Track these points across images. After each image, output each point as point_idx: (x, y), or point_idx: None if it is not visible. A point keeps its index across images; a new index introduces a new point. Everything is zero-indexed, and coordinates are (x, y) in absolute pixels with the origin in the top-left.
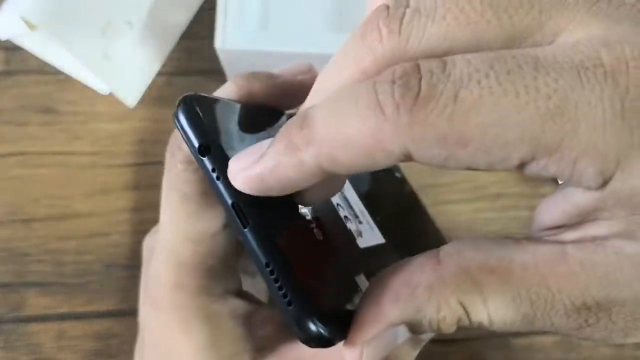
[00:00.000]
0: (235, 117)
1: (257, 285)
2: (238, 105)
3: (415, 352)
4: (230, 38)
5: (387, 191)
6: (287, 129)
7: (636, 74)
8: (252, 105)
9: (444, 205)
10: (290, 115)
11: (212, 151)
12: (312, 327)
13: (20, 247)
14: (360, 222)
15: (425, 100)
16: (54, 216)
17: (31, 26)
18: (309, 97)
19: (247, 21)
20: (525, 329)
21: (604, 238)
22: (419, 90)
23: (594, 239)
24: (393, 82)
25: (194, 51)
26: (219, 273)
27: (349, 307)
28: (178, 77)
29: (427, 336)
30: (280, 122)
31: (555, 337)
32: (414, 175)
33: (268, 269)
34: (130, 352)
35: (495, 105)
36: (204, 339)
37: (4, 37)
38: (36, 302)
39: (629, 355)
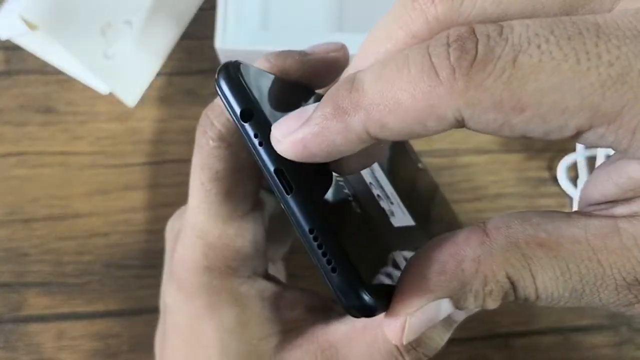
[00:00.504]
0: (273, 88)
1: (279, 272)
2: (273, 77)
3: (448, 335)
4: (230, 38)
5: (411, 179)
6: (335, 93)
7: None
8: (286, 81)
9: None
10: (320, 96)
11: (255, 116)
12: (357, 295)
13: (20, 247)
14: (391, 203)
15: (482, 64)
16: (54, 216)
17: (31, 26)
18: (354, 60)
19: (247, 21)
20: (572, 304)
21: None
22: (476, 53)
23: None
24: (448, 45)
25: (194, 51)
26: (248, 255)
27: (387, 281)
28: (178, 77)
29: (459, 318)
30: (310, 101)
31: (556, 337)
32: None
33: (312, 235)
34: (130, 352)
35: (555, 70)
36: (233, 321)
37: (4, 37)
38: (36, 302)
39: (629, 355)
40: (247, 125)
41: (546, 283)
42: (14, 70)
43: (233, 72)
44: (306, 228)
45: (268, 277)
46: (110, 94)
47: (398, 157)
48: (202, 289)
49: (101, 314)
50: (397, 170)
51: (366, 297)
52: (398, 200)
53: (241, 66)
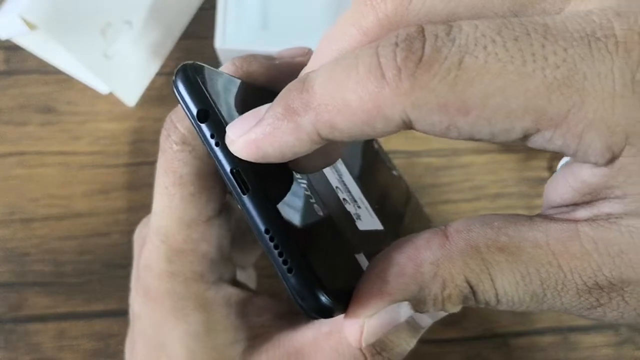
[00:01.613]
0: (234, 91)
1: (250, 279)
2: (238, 81)
3: (414, 340)
4: (230, 38)
5: (384, 185)
6: (286, 93)
7: None
8: (251, 85)
9: (444, 205)
10: None
11: (211, 117)
12: (313, 295)
13: (20, 247)
14: (359, 207)
15: (428, 65)
16: (54, 216)
17: (31, 26)
18: (309, 61)
19: (247, 21)
20: (533, 309)
21: (618, 216)
22: (422, 54)
23: (608, 217)
24: (396, 44)
25: (194, 51)
26: (213, 260)
27: (349, 283)
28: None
29: (426, 324)
30: None
31: (555, 337)
32: (413, 175)
33: (268, 236)
34: None
35: (500, 72)
36: (198, 327)
37: (4, 37)
38: (36, 302)
39: (629, 355)
40: (203, 126)
41: (506, 287)
42: (14, 70)
43: (191, 74)
44: (262, 228)
45: (235, 283)
46: (110, 94)
47: (371, 163)
48: (167, 295)
49: (101, 313)
50: (370, 176)
51: (323, 298)
52: (366, 204)
53: (200, 68)
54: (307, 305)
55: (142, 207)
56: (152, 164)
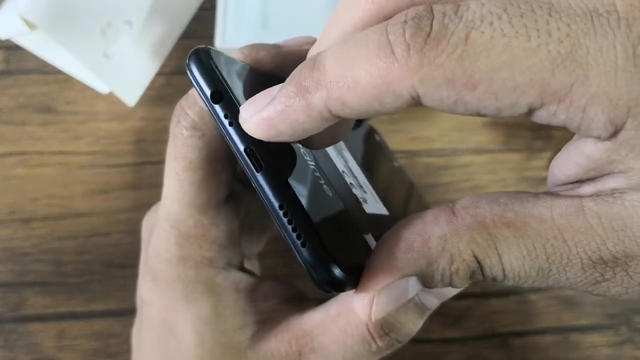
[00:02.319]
0: (244, 75)
1: (254, 269)
2: (248, 67)
3: (421, 321)
4: (230, 38)
5: (386, 175)
6: (298, 72)
7: None
8: (259, 71)
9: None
10: None
11: (225, 98)
12: (326, 268)
13: (20, 247)
14: (364, 192)
15: (435, 40)
16: (54, 216)
17: (31, 26)
18: (317, 41)
19: (247, 21)
20: (539, 284)
21: (622, 191)
22: (430, 30)
23: (612, 192)
24: (405, 22)
25: None
26: (223, 245)
27: (359, 260)
28: (178, 77)
29: (432, 305)
30: None
31: (555, 337)
32: (413, 175)
33: (282, 211)
34: (130, 351)
35: (506, 47)
36: (208, 312)
37: (4, 37)
38: (36, 302)
39: (629, 355)
40: (217, 107)
41: (512, 262)
42: (14, 70)
43: (204, 57)
44: (276, 204)
45: (243, 269)
46: (110, 94)
47: (374, 154)
48: (177, 280)
49: (101, 313)
50: (373, 167)
51: (335, 271)
52: (372, 190)
53: (212, 52)
54: (320, 278)
55: (143, 207)
56: (153, 163)
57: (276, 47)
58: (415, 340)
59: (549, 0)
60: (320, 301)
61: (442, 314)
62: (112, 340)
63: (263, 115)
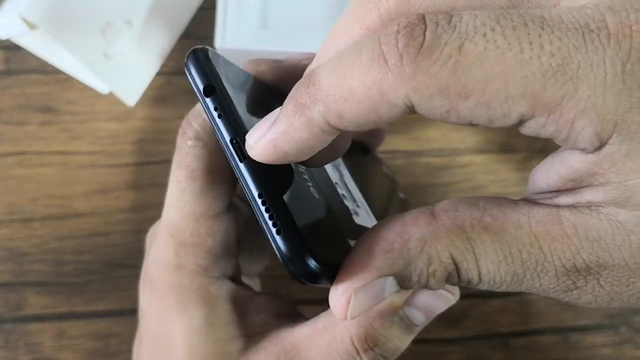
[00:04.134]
0: (241, 77)
1: (254, 287)
2: (247, 73)
3: (408, 338)
4: (230, 38)
5: (382, 191)
6: (295, 91)
7: (638, 39)
8: (259, 80)
9: None
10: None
11: (216, 92)
12: (301, 259)
13: (20, 247)
14: (358, 207)
15: (429, 50)
16: (54, 216)
17: (31, 26)
18: (314, 60)
19: (247, 21)
20: (512, 289)
21: (599, 204)
22: (423, 40)
23: (589, 204)
24: (397, 32)
25: None
26: (218, 255)
27: (339, 260)
28: (178, 77)
29: (420, 322)
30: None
31: (555, 337)
32: (413, 175)
33: (260, 200)
34: (129, 351)
35: (499, 58)
36: (200, 320)
37: (4, 37)
38: (36, 302)
39: (629, 355)
40: (208, 100)
41: (489, 266)
42: (14, 70)
43: (201, 55)
44: (255, 193)
45: (238, 281)
46: (110, 94)
47: (364, 161)
48: (171, 288)
49: (101, 313)
50: (369, 180)
51: (309, 262)
52: (366, 206)
53: (210, 52)
54: (294, 268)
55: (143, 207)
56: (153, 163)
57: (276, 61)
58: (415, 341)
59: (542, 14)
60: (307, 303)
61: (442, 314)
62: (112, 340)
63: (267, 138)
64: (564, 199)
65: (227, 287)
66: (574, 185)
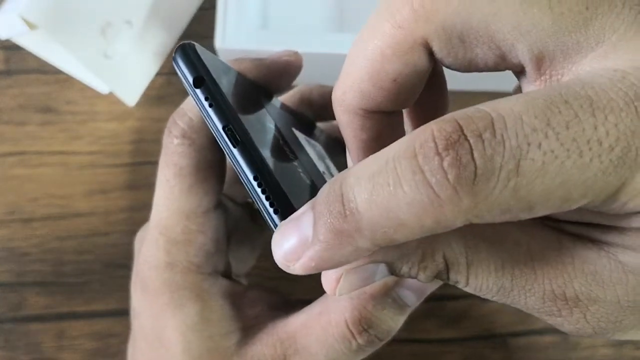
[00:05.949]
0: (226, 71)
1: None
2: (231, 67)
3: (401, 318)
4: (230, 38)
5: None
6: (327, 213)
7: None
8: (243, 76)
9: None
10: (301, 115)
11: (206, 83)
12: None
13: (19, 247)
14: None
15: (484, 178)
16: (54, 216)
17: (31, 26)
18: (343, 72)
19: (247, 20)
20: (498, 299)
21: (603, 242)
22: (475, 168)
23: (591, 239)
24: (438, 155)
25: None
26: (209, 252)
27: None
28: (178, 77)
29: (411, 302)
30: (270, 101)
31: (555, 337)
32: None
33: (256, 182)
34: None
35: (559, 170)
36: (195, 317)
37: (4, 37)
38: (36, 302)
39: (629, 355)
40: (198, 91)
41: (478, 275)
42: (14, 70)
43: (189, 49)
44: (250, 176)
45: (229, 277)
46: (110, 94)
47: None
48: (164, 286)
49: (101, 313)
50: (344, 166)
51: None
52: None
53: (197, 47)
54: None
55: (142, 207)
56: (153, 163)
57: (257, 59)
58: (414, 340)
59: (587, 94)
60: (306, 303)
61: (441, 314)
62: (112, 340)
63: (309, 264)
64: (568, 227)
65: (219, 282)
66: (581, 219)
